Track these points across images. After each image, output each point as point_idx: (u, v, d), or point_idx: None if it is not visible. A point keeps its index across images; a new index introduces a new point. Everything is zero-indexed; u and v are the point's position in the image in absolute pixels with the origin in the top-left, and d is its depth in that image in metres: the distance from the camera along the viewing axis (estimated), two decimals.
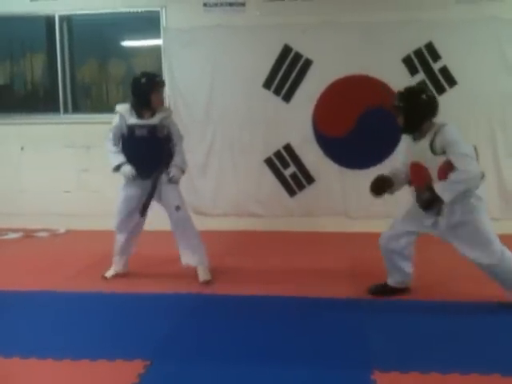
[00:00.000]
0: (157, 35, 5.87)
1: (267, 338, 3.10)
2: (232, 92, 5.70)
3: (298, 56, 5.60)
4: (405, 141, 3.72)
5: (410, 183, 3.68)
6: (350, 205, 5.73)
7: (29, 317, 3.45)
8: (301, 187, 5.79)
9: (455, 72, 5.45)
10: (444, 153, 3.30)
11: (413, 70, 5.49)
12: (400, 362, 2.76)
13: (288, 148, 5.73)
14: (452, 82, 5.46)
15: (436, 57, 5.46)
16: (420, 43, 5.46)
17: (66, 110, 6.16)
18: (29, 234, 5.73)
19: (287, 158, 5.75)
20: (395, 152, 5.55)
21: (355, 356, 2.86)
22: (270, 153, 5.76)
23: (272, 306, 3.64)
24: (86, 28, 6.24)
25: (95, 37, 6.29)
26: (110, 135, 3.99)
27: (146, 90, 3.89)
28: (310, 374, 2.67)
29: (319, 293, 3.84)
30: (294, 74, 5.63)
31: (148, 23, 5.95)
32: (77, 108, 6.30)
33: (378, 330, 3.19)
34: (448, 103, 5.42)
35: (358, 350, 2.92)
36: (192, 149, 5.82)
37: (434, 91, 5.44)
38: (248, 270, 4.46)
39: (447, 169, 3.29)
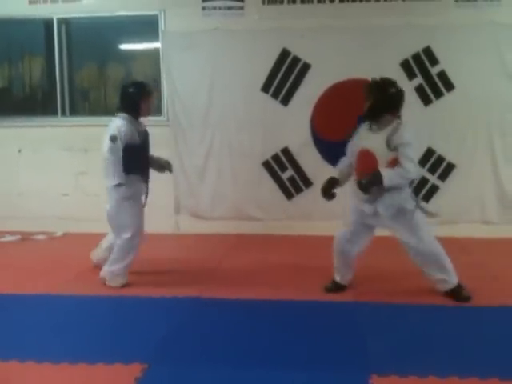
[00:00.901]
0: (155, 39, 5.88)
1: (265, 342, 3.10)
2: (230, 95, 5.71)
3: (296, 60, 5.60)
4: (360, 130, 3.90)
5: (356, 170, 3.81)
6: (348, 208, 5.72)
7: (26, 320, 3.44)
8: (298, 190, 5.79)
9: (453, 76, 5.46)
10: (396, 150, 3.53)
11: (411, 75, 5.49)
12: (398, 365, 2.75)
13: (286, 151, 5.73)
14: (450, 86, 5.47)
15: (434, 61, 5.46)
16: (418, 47, 5.47)
17: (63, 113, 6.16)
18: (26, 237, 5.71)
19: (285, 161, 5.75)
20: None
21: (353, 360, 2.86)
22: (267, 156, 5.76)
23: (270, 309, 3.64)
24: (84, 31, 6.25)
25: (93, 40, 6.29)
26: (111, 145, 3.85)
27: (137, 98, 3.97)
28: (308, 377, 2.67)
29: (317, 296, 3.84)
30: (292, 78, 5.63)
31: (147, 27, 5.95)
32: (75, 111, 6.30)
33: (376, 334, 3.19)
34: (446, 108, 5.49)
35: (355, 354, 2.92)
36: (190, 152, 5.85)
37: (432, 95, 5.51)
38: (246, 273, 4.46)
39: (394, 165, 3.56)
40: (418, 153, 3.70)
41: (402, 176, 3.56)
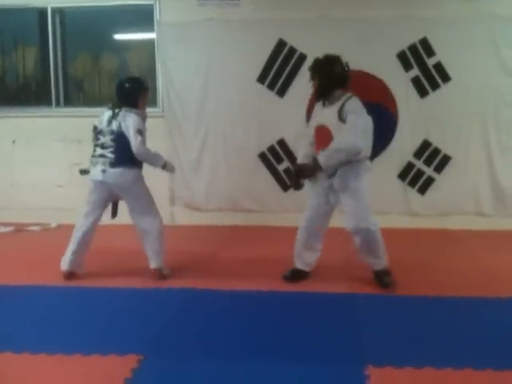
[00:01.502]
0: (150, 29, 5.83)
1: (260, 334, 3.10)
2: (226, 86, 5.68)
3: (292, 50, 5.58)
4: (315, 109, 3.93)
5: (316, 149, 3.80)
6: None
7: (21, 311, 3.43)
8: None
9: (449, 68, 5.45)
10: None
11: (407, 66, 5.48)
12: (394, 357, 2.76)
13: (282, 143, 5.72)
14: (446, 77, 5.46)
15: (430, 53, 5.45)
16: (415, 39, 5.45)
17: (58, 104, 6.11)
18: (20, 229, 5.68)
19: (281, 153, 5.73)
20: (389, 147, 5.59)
21: (349, 351, 2.85)
22: (263, 148, 5.75)
23: (265, 301, 3.63)
24: (78, 21, 6.19)
25: (88, 30, 6.24)
26: (141, 139, 3.84)
27: (135, 93, 3.95)
28: (303, 369, 2.66)
29: (312, 288, 3.84)
30: (288, 69, 5.61)
31: (141, 17, 5.90)
32: (69, 101, 6.26)
33: (372, 325, 3.19)
34: (442, 99, 5.48)
35: (351, 346, 2.92)
36: (185, 144, 5.82)
37: (429, 87, 5.50)
38: (241, 264, 4.45)
39: None
40: (368, 125, 3.68)
41: (339, 149, 3.55)
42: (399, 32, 5.46)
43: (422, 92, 5.50)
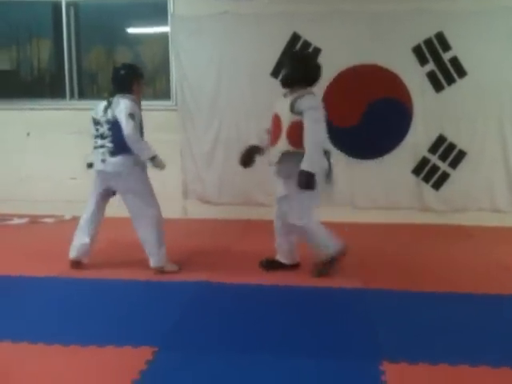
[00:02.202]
0: (164, 22, 5.82)
1: (274, 327, 3.09)
2: (239, 80, 5.66)
3: (306, 44, 5.54)
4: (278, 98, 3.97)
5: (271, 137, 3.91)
6: (356, 195, 5.70)
7: (36, 302, 3.45)
8: None
9: (465, 63, 5.40)
10: (300, 114, 3.65)
11: (423, 60, 5.43)
12: (409, 352, 2.74)
13: None
14: (462, 72, 5.41)
15: (446, 47, 5.40)
16: (430, 33, 5.40)
17: (72, 96, 6.14)
18: (34, 220, 5.72)
19: None
20: (404, 142, 5.54)
21: (364, 347, 2.84)
22: None
23: (279, 295, 3.63)
24: (92, 14, 6.20)
25: (102, 23, 6.25)
26: (133, 124, 3.79)
27: (129, 80, 3.94)
28: (318, 364, 2.65)
29: (325, 283, 3.82)
30: None
31: (155, 10, 5.90)
32: (83, 94, 6.28)
33: (387, 321, 3.17)
34: (457, 94, 5.43)
35: (366, 341, 2.90)
36: (198, 137, 5.82)
37: (444, 81, 5.44)
38: (254, 258, 4.44)
39: (297, 128, 3.66)
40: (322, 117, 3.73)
41: (312, 142, 3.62)
42: (415, 26, 5.40)
43: (438, 87, 5.45)
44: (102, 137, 3.90)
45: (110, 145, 3.86)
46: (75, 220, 5.72)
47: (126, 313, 3.29)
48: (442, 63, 5.42)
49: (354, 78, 5.52)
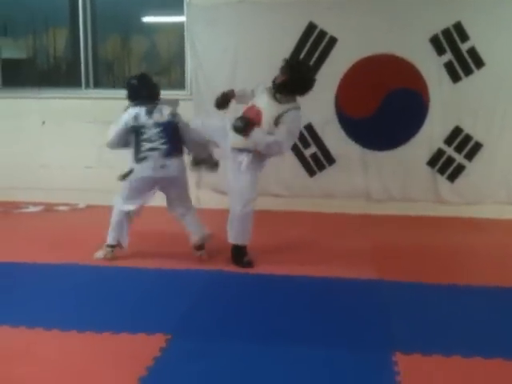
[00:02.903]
0: (180, 11, 5.80)
1: (287, 318, 3.10)
2: (254, 70, 5.60)
3: (322, 34, 5.49)
4: (262, 89, 4.09)
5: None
6: (371, 187, 5.66)
7: (51, 289, 3.50)
8: (321, 168, 5.73)
9: (483, 53, 5.31)
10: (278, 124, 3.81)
11: (440, 50, 5.35)
12: (422, 344, 2.74)
13: (309, 128, 5.65)
14: (480, 63, 5.32)
15: (464, 37, 5.31)
16: (448, 23, 5.31)
17: (87, 85, 6.16)
18: (49, 208, 5.78)
19: (308, 137, 5.67)
20: (419, 133, 5.49)
21: (377, 338, 2.84)
22: None
23: (293, 285, 3.64)
24: (109, 3, 6.20)
25: (118, 12, 6.25)
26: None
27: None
28: (331, 354, 2.66)
29: (340, 273, 3.82)
30: (317, 52, 5.53)
31: None
32: (98, 83, 6.30)
33: (400, 312, 3.18)
34: (475, 85, 5.35)
35: (379, 332, 2.91)
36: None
37: (462, 72, 5.37)
38: (268, 249, 4.45)
39: None
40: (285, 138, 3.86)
41: (269, 143, 3.81)
42: (432, 15, 5.32)
43: (455, 77, 5.37)
44: (151, 140, 3.99)
45: (163, 147, 3.97)
46: (89, 208, 5.81)
47: (141, 301, 3.32)
48: (459, 53, 5.33)
49: (370, 68, 5.47)
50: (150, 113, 4.02)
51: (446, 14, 5.32)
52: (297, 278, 3.74)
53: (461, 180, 5.51)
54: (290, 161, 5.72)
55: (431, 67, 5.38)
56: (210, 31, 5.67)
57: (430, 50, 5.36)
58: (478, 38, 5.30)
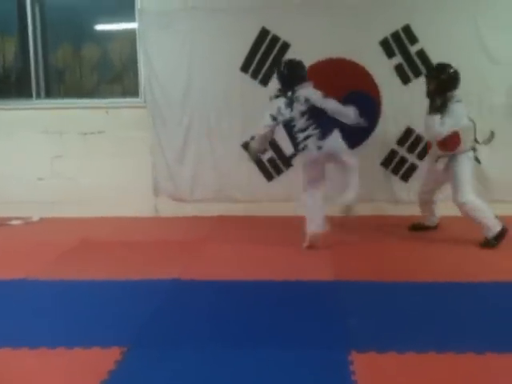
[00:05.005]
0: (132, 18, 5.75)
1: (244, 322, 3.08)
2: (209, 75, 5.63)
3: (275, 39, 5.53)
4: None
5: None
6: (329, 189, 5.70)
7: (3, 305, 3.39)
8: (279, 172, 5.77)
9: (432, 55, 5.44)
10: None
11: (390, 53, 5.47)
12: (377, 342, 2.76)
13: None
14: (429, 65, 5.44)
15: (413, 40, 5.44)
16: (397, 26, 5.43)
17: (38, 95, 6.02)
18: (2, 223, 5.60)
19: None
20: (373, 135, 5.58)
21: (333, 338, 2.86)
22: (247, 137, 5.70)
23: (250, 289, 3.62)
24: (59, 11, 6.09)
25: (69, 20, 6.14)
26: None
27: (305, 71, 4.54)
28: (287, 355, 2.66)
29: (297, 276, 3.84)
30: (271, 58, 5.57)
31: (123, 6, 5.82)
32: (50, 93, 6.17)
33: (356, 311, 3.20)
34: (424, 86, 5.43)
35: (335, 332, 2.92)
36: (169, 134, 5.77)
37: (411, 74, 5.49)
38: (227, 254, 4.44)
39: None
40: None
41: None
42: (382, 19, 5.43)
43: (405, 79, 5.49)
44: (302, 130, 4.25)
45: (316, 131, 4.23)
46: (43, 221, 5.65)
47: (95, 314, 3.24)
48: (408, 56, 5.46)
49: (324, 73, 5.51)
50: (290, 105, 4.20)
51: (394, 17, 5.44)
52: (254, 283, 3.74)
53: (414, 179, 5.62)
54: (247, 166, 5.73)
55: (382, 70, 5.48)
56: (162, 38, 5.64)
57: (380, 52, 5.47)
58: (427, 41, 5.43)
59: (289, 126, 4.27)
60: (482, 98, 5.47)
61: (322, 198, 4.47)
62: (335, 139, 4.31)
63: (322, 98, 4.25)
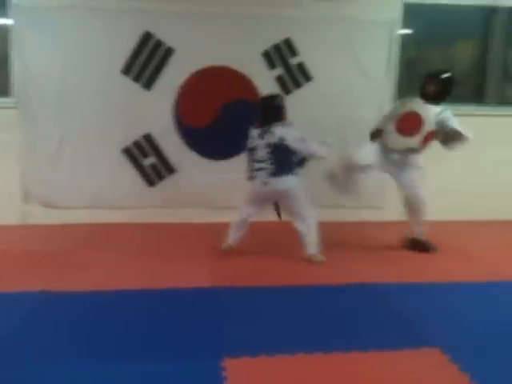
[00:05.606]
0: (3, 13, 5.35)
1: (114, 334, 2.96)
2: (87, 76, 5.39)
3: (159, 44, 5.44)
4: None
5: None
6: (211, 195, 5.69)
7: None
8: (161, 178, 5.65)
9: (311, 68, 5.65)
10: None
11: (272, 65, 5.60)
12: (250, 347, 2.78)
13: (148, 138, 5.56)
14: (308, 77, 5.66)
15: (294, 53, 5.61)
16: (278, 39, 5.58)
17: None
18: None
19: (147, 148, 5.57)
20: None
21: (206, 346, 2.82)
22: (128, 142, 5.55)
23: (125, 299, 3.49)
24: None
25: None
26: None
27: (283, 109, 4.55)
28: (159, 367, 2.58)
29: (175, 283, 3.77)
30: (154, 62, 5.46)
31: None
32: None
33: (231, 318, 3.19)
34: (303, 98, 5.65)
35: (209, 340, 2.89)
36: (42, 136, 5.43)
37: (292, 85, 5.66)
38: (102, 263, 4.25)
39: None
40: None
41: None
42: (264, 31, 5.54)
43: (286, 90, 5.63)
44: (260, 160, 4.28)
45: (269, 166, 4.25)
46: None
47: None
48: (289, 68, 5.64)
49: (208, 80, 5.54)
50: (261, 135, 4.31)
51: (276, 30, 5.58)
52: (129, 292, 3.60)
53: None
54: (127, 171, 5.57)
55: (264, 80, 5.59)
56: (38, 35, 5.31)
57: (262, 63, 5.58)
58: (306, 54, 5.64)
59: (251, 152, 4.36)
60: (356, 112, 5.70)
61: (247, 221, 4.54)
62: (289, 181, 4.28)
63: (298, 140, 4.25)
